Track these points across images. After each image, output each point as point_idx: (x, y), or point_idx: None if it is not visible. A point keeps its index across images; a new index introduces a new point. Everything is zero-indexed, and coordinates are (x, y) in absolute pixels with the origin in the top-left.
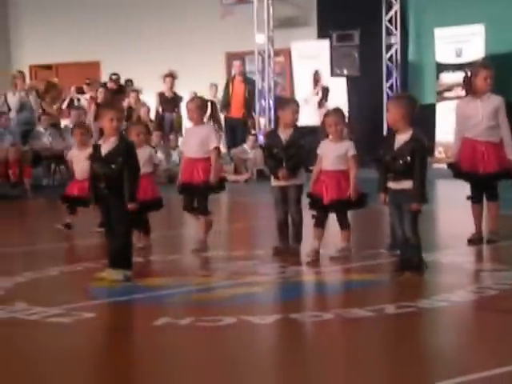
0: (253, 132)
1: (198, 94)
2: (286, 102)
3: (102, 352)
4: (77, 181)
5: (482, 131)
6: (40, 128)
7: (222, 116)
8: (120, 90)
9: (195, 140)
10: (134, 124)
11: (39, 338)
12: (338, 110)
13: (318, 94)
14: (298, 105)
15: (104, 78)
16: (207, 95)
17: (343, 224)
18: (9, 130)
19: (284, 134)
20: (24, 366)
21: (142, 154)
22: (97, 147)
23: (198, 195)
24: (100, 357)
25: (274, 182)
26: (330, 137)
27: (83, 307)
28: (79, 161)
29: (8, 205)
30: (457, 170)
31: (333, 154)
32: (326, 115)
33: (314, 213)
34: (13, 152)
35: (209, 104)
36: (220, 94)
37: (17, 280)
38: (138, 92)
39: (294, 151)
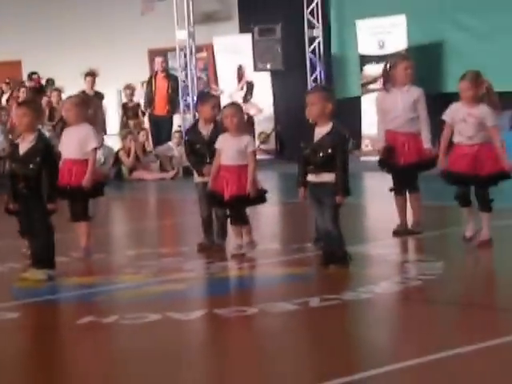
0: (178, 129)
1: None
2: (205, 97)
3: (24, 352)
4: None
5: (402, 123)
6: None
7: (146, 113)
8: (41, 88)
9: (73, 140)
10: None
11: None
12: (234, 104)
13: (242, 88)
14: (217, 99)
15: (25, 77)
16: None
17: (243, 220)
18: None
19: (205, 130)
20: None
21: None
22: (15, 146)
23: (74, 199)
24: (23, 357)
25: (197, 179)
26: (229, 131)
27: (6, 307)
28: None
29: None
30: (381, 161)
31: (232, 148)
32: (223, 108)
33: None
34: None
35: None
36: (139, 95)
37: None
38: (59, 91)
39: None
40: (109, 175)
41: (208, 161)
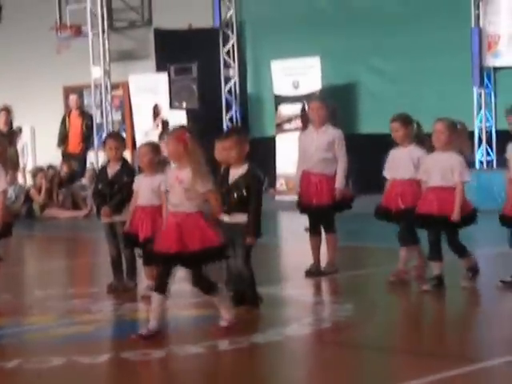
0: (90, 166)
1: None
2: (106, 137)
3: None
4: None
5: (316, 163)
6: None
7: (59, 150)
8: None
9: None
10: None
11: None
12: (148, 143)
13: (158, 126)
14: (121, 139)
15: None
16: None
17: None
18: None
19: (111, 169)
20: None
21: None
22: None
23: None
24: None
25: (102, 219)
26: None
27: None
28: None
29: None
30: (297, 202)
31: (146, 188)
32: (138, 147)
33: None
34: None
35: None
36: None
37: None
38: None
39: (117, 188)
40: (20, 213)
41: (108, 201)
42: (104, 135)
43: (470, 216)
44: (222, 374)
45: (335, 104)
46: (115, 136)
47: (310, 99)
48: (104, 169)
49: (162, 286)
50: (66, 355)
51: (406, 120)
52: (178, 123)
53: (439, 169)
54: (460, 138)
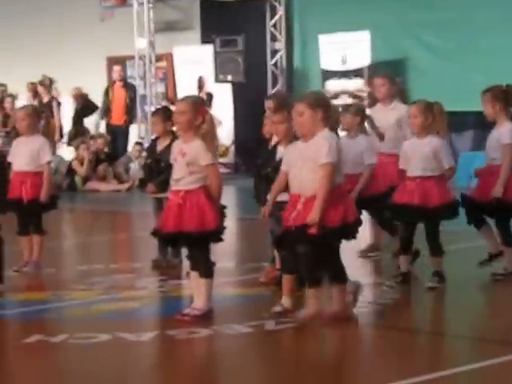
0: (139, 141)
1: None
2: (156, 111)
3: None
4: None
5: (386, 142)
6: None
7: (103, 122)
8: None
9: (25, 152)
10: None
11: None
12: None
13: None
14: (166, 114)
15: None
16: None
17: None
18: None
19: (160, 145)
20: None
21: None
22: None
23: (28, 214)
24: None
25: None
26: None
27: None
28: None
29: None
30: None
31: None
32: None
33: None
34: None
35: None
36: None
37: None
38: (13, 97)
39: (164, 165)
40: (61, 185)
41: (155, 177)
42: (147, 108)
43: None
44: (268, 353)
45: (400, 78)
46: (157, 112)
47: (373, 74)
48: (154, 143)
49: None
50: (112, 331)
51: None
52: (223, 96)
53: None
54: (436, 120)
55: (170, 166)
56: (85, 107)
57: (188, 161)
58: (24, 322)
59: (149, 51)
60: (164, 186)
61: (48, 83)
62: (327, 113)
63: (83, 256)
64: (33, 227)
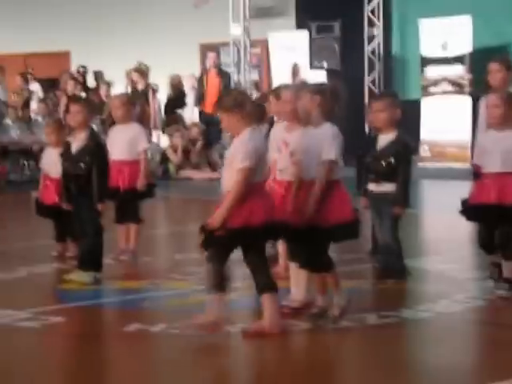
0: None
1: None
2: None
3: (68, 359)
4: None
5: None
6: (8, 121)
7: (196, 109)
8: (85, 82)
9: (122, 141)
10: None
11: (6, 343)
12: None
13: None
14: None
15: (73, 68)
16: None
17: None
18: None
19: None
20: None
21: None
22: (67, 145)
23: (125, 202)
24: (66, 364)
25: None
26: None
27: (51, 311)
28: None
29: None
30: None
31: None
32: None
33: None
34: None
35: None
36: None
37: None
38: (108, 85)
39: None
40: (156, 173)
41: None
42: None
43: None
44: (372, 348)
45: None
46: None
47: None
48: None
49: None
50: None
51: None
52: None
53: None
54: None
55: None
56: (179, 95)
57: (292, 151)
58: (123, 310)
59: (243, 37)
60: None
61: (143, 70)
62: (243, 112)
63: (178, 245)
64: (130, 216)
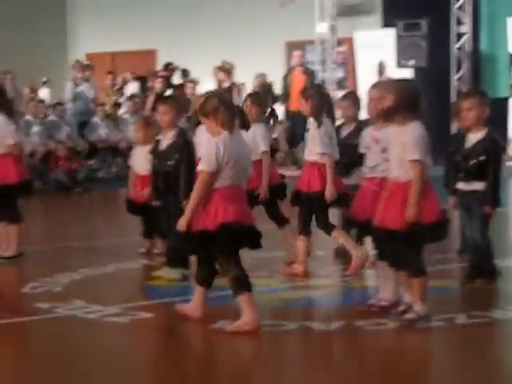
0: None
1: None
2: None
3: (155, 355)
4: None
5: None
6: (96, 119)
7: (281, 109)
8: (169, 79)
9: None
10: None
11: (95, 338)
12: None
13: None
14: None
15: (160, 66)
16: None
17: None
18: (65, 120)
19: (345, 130)
20: (76, 365)
21: None
22: (157, 142)
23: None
24: (153, 359)
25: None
26: None
27: (140, 307)
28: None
29: (64, 198)
30: None
31: None
32: None
33: None
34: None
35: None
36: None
37: (73, 277)
38: (194, 83)
39: (349, 149)
40: None
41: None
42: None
43: None
44: (460, 348)
45: None
46: (348, 96)
47: None
48: (338, 129)
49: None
50: (298, 320)
51: None
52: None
53: None
54: None
55: (355, 151)
56: (265, 93)
57: (382, 147)
58: (210, 307)
59: (329, 36)
60: (348, 170)
61: (228, 69)
62: (218, 117)
63: (264, 243)
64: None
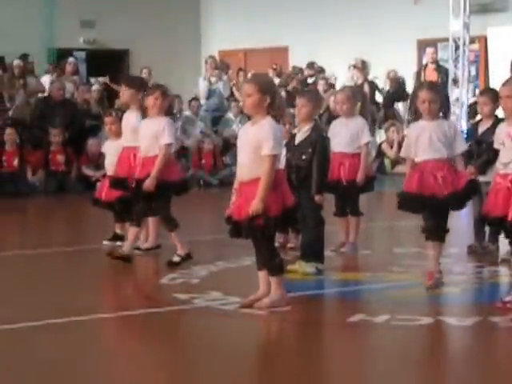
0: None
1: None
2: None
3: (292, 347)
4: None
5: None
6: (230, 115)
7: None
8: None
9: (346, 134)
10: None
11: (233, 330)
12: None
13: None
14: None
15: (291, 63)
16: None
17: None
18: (200, 116)
19: (481, 127)
20: (216, 356)
21: None
22: (292, 136)
23: (345, 195)
24: (290, 352)
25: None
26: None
27: None
28: None
29: (201, 192)
30: None
31: None
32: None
33: None
34: (207, 143)
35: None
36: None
37: (210, 269)
38: (326, 80)
39: (485, 147)
40: (370, 168)
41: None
42: (457, 91)
43: None
44: None
45: None
46: (486, 92)
47: None
48: (475, 126)
49: None
50: (434, 315)
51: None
52: None
53: None
54: None
55: (490, 148)
56: (397, 91)
57: None
58: (345, 300)
59: (463, 33)
60: (484, 168)
61: (361, 66)
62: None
63: (396, 238)
64: (350, 209)
